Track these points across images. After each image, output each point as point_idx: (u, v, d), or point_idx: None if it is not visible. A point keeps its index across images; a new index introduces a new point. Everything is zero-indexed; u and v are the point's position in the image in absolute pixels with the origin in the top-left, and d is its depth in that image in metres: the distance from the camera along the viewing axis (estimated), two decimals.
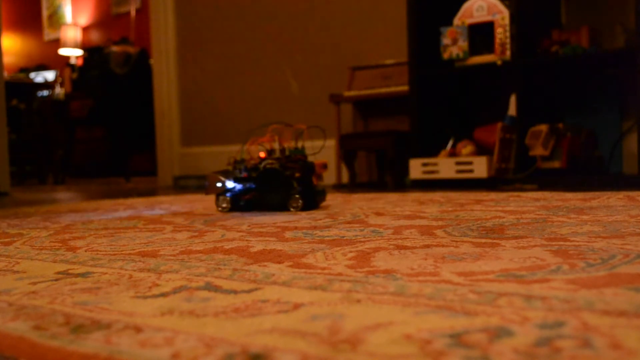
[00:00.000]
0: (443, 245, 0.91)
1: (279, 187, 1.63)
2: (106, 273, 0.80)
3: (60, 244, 1.11)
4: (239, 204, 1.68)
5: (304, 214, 1.53)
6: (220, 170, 1.72)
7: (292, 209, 1.61)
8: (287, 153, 1.69)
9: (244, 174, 1.67)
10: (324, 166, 1.77)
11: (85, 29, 6.85)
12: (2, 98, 3.39)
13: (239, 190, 1.68)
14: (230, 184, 1.69)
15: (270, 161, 1.66)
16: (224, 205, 1.68)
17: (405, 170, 3.04)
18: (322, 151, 2.93)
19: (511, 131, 2.79)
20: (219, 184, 1.70)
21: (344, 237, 1.06)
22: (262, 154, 1.68)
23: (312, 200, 1.65)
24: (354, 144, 3.27)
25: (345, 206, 1.74)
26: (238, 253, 0.91)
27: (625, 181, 2.56)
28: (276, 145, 1.69)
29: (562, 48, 2.71)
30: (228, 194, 1.68)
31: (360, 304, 0.57)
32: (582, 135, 2.71)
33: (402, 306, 0.56)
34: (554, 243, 0.89)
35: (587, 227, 1.07)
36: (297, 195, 1.61)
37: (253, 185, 1.67)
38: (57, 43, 6.86)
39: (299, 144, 1.70)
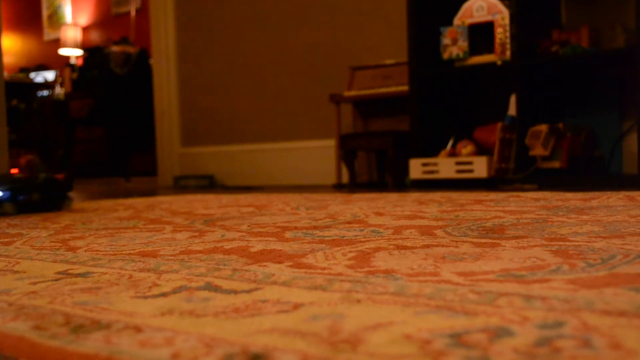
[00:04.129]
0: (443, 245, 0.91)
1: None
2: (106, 273, 0.80)
3: (60, 244, 1.11)
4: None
5: (303, 214, 1.54)
6: None
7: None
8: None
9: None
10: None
11: (85, 29, 6.84)
12: (2, 98, 3.39)
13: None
14: None
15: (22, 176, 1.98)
16: None
17: (405, 170, 3.04)
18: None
19: (511, 131, 2.79)
20: None
21: (344, 237, 1.06)
22: (15, 170, 2.04)
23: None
24: (354, 144, 3.27)
25: (345, 206, 1.74)
26: (238, 253, 0.91)
27: (625, 181, 2.56)
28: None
29: (562, 48, 2.71)
30: None
31: (360, 304, 0.57)
32: (582, 135, 2.71)
33: (402, 306, 0.56)
34: (554, 243, 0.89)
35: (587, 227, 1.07)
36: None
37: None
38: (57, 43, 6.86)
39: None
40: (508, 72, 2.83)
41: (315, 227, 1.23)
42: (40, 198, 1.90)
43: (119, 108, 5.81)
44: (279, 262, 0.82)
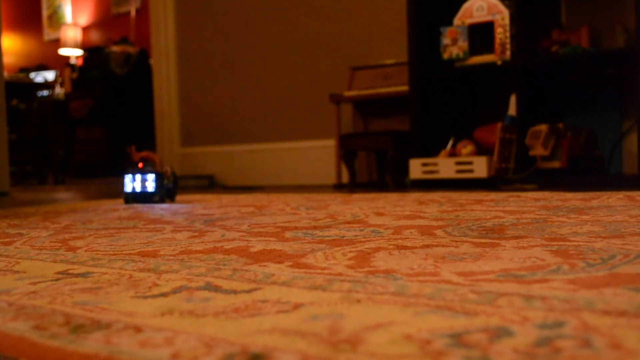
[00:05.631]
0: (443, 245, 0.91)
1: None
2: (106, 273, 0.80)
3: (60, 244, 1.11)
4: None
5: (304, 214, 1.54)
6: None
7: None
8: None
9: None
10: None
11: (85, 29, 6.84)
12: (2, 98, 3.39)
13: None
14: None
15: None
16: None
17: (405, 170, 3.04)
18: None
19: (511, 131, 2.79)
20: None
21: (344, 237, 1.06)
22: (141, 164, 2.35)
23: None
24: (354, 144, 3.27)
25: (345, 206, 1.74)
26: (238, 253, 0.91)
27: (625, 181, 2.56)
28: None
29: (562, 48, 2.71)
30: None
31: (360, 304, 0.57)
32: (582, 135, 2.71)
33: (402, 306, 0.56)
34: (554, 243, 0.89)
35: (587, 227, 1.07)
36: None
37: None
38: (57, 43, 6.86)
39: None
40: (508, 72, 2.83)
41: (315, 227, 1.23)
42: (172, 188, 2.32)
43: (119, 108, 5.81)
44: (279, 262, 0.82)
